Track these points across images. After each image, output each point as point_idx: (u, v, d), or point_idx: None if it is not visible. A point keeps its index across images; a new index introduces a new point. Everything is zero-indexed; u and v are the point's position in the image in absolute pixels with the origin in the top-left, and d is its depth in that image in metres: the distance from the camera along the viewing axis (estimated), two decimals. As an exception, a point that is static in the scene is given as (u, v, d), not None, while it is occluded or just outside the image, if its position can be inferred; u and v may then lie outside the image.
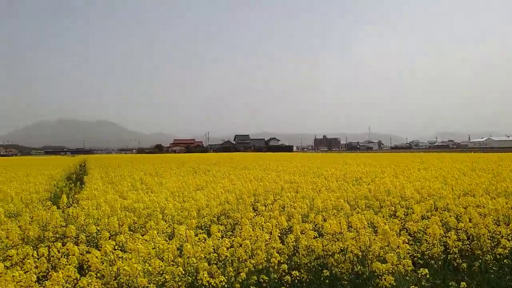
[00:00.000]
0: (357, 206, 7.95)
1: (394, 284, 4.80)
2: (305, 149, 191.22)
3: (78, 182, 16.63)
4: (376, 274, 5.00)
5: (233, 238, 5.49)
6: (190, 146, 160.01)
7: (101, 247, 5.81)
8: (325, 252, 5.78)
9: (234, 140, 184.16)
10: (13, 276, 3.64)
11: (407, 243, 5.68)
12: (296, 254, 5.86)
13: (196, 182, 13.35)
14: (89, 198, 8.85)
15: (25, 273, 4.06)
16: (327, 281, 5.48)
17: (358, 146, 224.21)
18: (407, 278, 4.90)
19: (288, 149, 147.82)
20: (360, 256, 5.48)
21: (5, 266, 4.52)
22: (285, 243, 5.80)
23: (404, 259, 4.94)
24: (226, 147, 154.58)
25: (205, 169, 21.78)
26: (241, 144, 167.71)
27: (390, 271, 4.87)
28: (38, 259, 4.98)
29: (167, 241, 5.62)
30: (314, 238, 5.77)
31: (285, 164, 25.72)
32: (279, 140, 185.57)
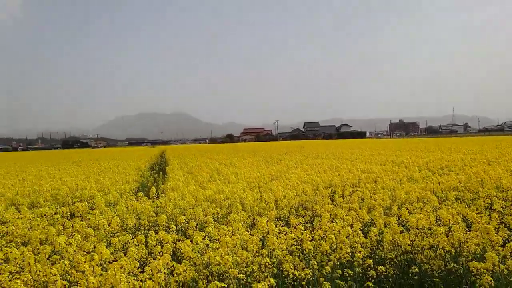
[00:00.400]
0: (446, 199, 7.40)
1: (493, 285, 4.41)
2: (379, 135, 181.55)
3: (161, 173, 17.88)
4: (472, 273, 4.64)
5: (315, 231, 5.47)
6: (260, 135, 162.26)
7: (189, 236, 6.22)
8: (412, 248, 5.51)
9: (303, 127, 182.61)
10: (121, 264, 4.03)
11: (507, 239, 5.17)
12: (380, 248, 5.67)
13: (270, 172, 13.54)
14: (174, 189, 9.46)
15: (129, 259, 4.51)
16: (415, 277, 5.23)
17: (440, 130, 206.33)
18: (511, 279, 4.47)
19: (361, 135, 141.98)
20: (453, 253, 5.12)
21: (110, 252, 5.07)
22: (367, 237, 5.64)
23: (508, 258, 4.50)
24: (295, 135, 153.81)
25: (277, 158, 21.97)
26: (311, 131, 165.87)
27: (490, 270, 4.48)
28: (137, 246, 5.49)
29: (248, 231, 5.82)
30: (400, 232, 5.52)
31: (360, 152, 24.88)
32: (350, 126, 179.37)
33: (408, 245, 5.49)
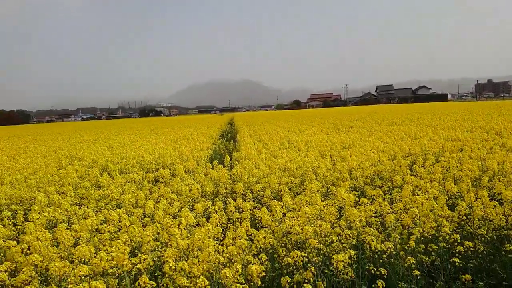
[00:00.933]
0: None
1: None
2: (463, 97, 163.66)
3: (232, 140, 18.44)
4: None
5: (395, 204, 5.26)
6: (328, 100, 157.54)
7: (264, 204, 6.39)
8: (506, 224, 5.06)
9: (375, 91, 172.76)
10: (207, 229, 4.28)
11: None
12: (468, 223, 5.29)
13: (342, 139, 13.19)
14: (247, 158, 9.69)
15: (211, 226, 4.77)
16: (510, 255, 4.82)
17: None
18: None
19: (441, 98, 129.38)
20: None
21: (193, 217, 5.41)
22: (455, 210, 5.28)
23: None
24: (366, 99, 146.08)
25: (348, 125, 21.30)
26: (384, 95, 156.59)
27: None
28: (216, 212, 5.79)
29: (322, 201, 5.78)
30: (493, 207, 5.07)
31: (442, 117, 23.06)
32: (429, 89, 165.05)
33: (502, 220, 5.04)
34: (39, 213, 5.98)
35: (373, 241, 4.41)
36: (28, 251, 4.85)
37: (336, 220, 4.90)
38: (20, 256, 4.57)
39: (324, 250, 4.32)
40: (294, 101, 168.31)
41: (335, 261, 3.97)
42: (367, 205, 5.16)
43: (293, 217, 4.94)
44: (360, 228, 4.75)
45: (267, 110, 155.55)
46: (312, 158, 8.88)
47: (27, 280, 4.16)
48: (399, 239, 4.73)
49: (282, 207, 5.17)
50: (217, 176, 7.61)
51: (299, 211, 4.98)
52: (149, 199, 6.78)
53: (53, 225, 6.04)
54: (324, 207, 5.18)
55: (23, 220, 6.33)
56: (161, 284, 4.02)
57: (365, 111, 43.86)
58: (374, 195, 5.60)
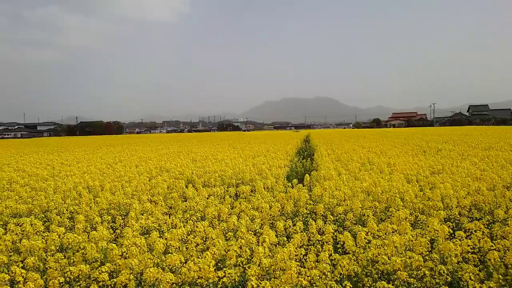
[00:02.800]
0: None
1: None
2: None
3: (309, 159, 18.30)
4: None
5: (498, 241, 4.72)
6: (412, 120, 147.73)
7: (346, 228, 6.19)
8: None
9: (467, 111, 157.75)
10: (289, 251, 4.29)
11: None
12: None
13: (430, 163, 12.30)
14: (327, 178, 9.53)
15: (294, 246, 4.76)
16: None
17: None
18: None
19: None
20: None
21: (275, 235, 5.45)
22: None
23: None
24: (456, 120, 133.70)
25: (436, 147, 19.80)
26: (477, 116, 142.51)
27: None
28: (297, 233, 5.77)
29: (412, 230, 5.41)
30: None
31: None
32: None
33: None
34: (136, 220, 6.55)
35: (471, 279, 4.01)
36: (125, 255, 5.34)
37: (427, 253, 4.56)
38: (120, 259, 5.04)
39: (415, 285, 4.03)
40: (374, 119, 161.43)
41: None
42: (463, 239, 4.72)
43: (379, 245, 4.72)
44: (456, 264, 4.35)
45: (344, 128, 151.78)
46: (398, 182, 8.41)
47: (125, 282, 4.57)
48: (503, 279, 4.23)
49: (367, 233, 4.97)
50: (297, 195, 7.60)
51: (386, 239, 4.74)
52: (230, 214, 7.02)
53: (145, 231, 6.57)
54: (413, 237, 4.85)
55: (122, 225, 7.00)
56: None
57: (455, 133, 40.30)
58: (472, 229, 5.09)
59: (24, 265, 4.89)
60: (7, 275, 4.39)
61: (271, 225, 6.40)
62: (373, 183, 8.56)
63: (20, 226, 6.29)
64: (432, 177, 9.54)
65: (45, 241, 5.58)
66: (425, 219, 6.03)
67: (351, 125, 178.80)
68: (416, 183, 9.02)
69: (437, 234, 4.89)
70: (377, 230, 5.17)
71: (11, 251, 5.47)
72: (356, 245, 4.84)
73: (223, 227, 5.93)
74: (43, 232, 6.07)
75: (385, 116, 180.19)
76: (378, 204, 6.85)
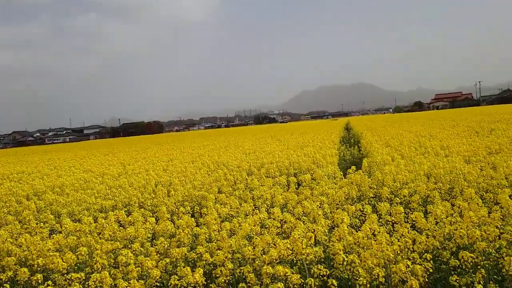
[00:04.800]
0: None
1: None
2: None
3: (356, 146, 18.45)
4: None
5: None
6: (456, 100, 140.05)
7: (413, 209, 6.51)
8: None
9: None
10: (368, 228, 4.74)
11: None
12: None
13: (486, 144, 12.13)
14: (384, 163, 9.80)
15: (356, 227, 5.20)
16: None
17: None
18: None
19: None
20: None
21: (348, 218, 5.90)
22: None
23: None
24: (505, 97, 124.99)
25: (488, 128, 19.21)
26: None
27: None
28: (359, 216, 6.20)
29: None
30: None
31: None
32: None
33: None
34: (214, 209, 7.25)
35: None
36: (213, 239, 6.05)
37: (502, 226, 4.83)
38: (208, 242, 5.76)
39: (493, 255, 4.35)
40: (415, 102, 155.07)
41: (508, 264, 4.01)
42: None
43: (453, 221, 5.05)
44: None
45: (384, 113, 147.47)
46: (457, 163, 8.55)
47: (222, 261, 5.23)
48: None
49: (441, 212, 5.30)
50: (359, 180, 7.98)
51: (460, 216, 5.06)
52: (299, 201, 7.52)
53: (223, 219, 7.23)
54: (485, 212, 5.13)
55: (200, 214, 7.75)
56: (333, 272, 4.62)
57: (507, 111, 38.22)
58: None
59: (132, 250, 5.69)
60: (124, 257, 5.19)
61: (341, 209, 6.84)
62: (432, 165, 8.74)
63: (105, 219, 7.17)
64: (491, 157, 9.53)
65: (144, 229, 6.39)
66: (492, 197, 6.24)
67: (390, 110, 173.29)
68: (476, 163, 9.08)
69: (509, 209, 5.14)
70: (450, 208, 5.48)
71: (116, 238, 6.31)
72: (430, 223, 5.18)
73: (298, 211, 6.45)
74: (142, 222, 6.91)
75: (427, 98, 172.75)
76: (442, 185, 7.09)
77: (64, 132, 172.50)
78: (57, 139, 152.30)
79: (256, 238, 5.58)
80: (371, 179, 8.11)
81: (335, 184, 8.55)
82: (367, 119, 68.20)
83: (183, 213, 7.57)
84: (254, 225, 6.16)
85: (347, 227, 5.57)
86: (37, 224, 7.20)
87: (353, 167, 9.40)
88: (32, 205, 8.89)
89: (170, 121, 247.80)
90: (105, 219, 7.16)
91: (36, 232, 6.63)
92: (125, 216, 7.21)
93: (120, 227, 6.81)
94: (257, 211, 7.05)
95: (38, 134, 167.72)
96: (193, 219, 6.72)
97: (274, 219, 6.26)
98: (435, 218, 5.30)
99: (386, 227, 5.63)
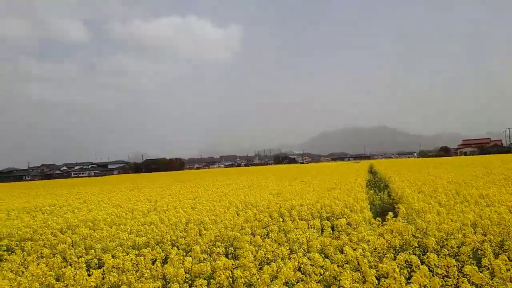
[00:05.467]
0: None
1: None
2: None
3: (385, 191, 18.01)
4: None
5: None
6: (485, 146, 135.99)
7: (463, 261, 6.18)
8: None
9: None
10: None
11: None
12: None
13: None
14: (423, 211, 9.49)
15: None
16: None
17: None
18: None
19: None
20: None
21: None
22: None
23: None
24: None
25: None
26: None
27: None
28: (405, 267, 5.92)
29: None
30: None
31: None
32: None
33: None
34: (250, 251, 7.10)
35: None
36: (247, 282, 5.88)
37: None
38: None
39: None
40: (441, 147, 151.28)
41: None
42: None
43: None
44: None
45: (408, 157, 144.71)
46: (504, 214, 8.17)
47: None
48: None
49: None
50: (400, 228, 7.71)
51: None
52: (339, 246, 7.29)
53: (260, 262, 7.05)
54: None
55: (233, 255, 7.60)
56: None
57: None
58: None
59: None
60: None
61: (383, 257, 6.57)
62: (477, 215, 8.39)
63: (139, 256, 7.13)
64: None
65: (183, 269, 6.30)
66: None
67: (415, 154, 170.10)
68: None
69: None
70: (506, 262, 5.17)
71: (157, 277, 6.23)
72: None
73: (339, 258, 6.24)
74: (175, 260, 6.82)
75: (452, 143, 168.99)
76: (493, 237, 6.75)
77: (89, 166, 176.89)
78: (83, 173, 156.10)
79: (298, 285, 5.41)
80: (413, 228, 7.81)
81: (373, 230, 8.28)
82: (391, 162, 66.91)
83: (218, 254, 7.43)
84: (294, 271, 5.97)
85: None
86: (74, 258, 7.22)
87: (390, 214, 9.13)
88: (67, 239, 8.97)
89: (190, 159, 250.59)
90: (139, 256, 7.14)
91: (76, 267, 6.64)
92: (162, 254, 7.13)
93: (156, 265, 6.76)
94: (295, 255, 6.84)
95: (65, 168, 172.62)
96: (231, 260, 6.60)
97: (313, 265, 6.08)
98: (491, 273, 5.01)
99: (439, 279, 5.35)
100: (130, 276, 6.00)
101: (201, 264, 6.53)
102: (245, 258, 6.65)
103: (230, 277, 6.09)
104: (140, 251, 7.94)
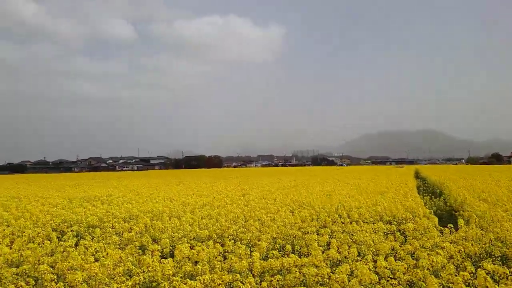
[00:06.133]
0: None
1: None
2: None
3: (441, 198, 17.26)
4: None
5: None
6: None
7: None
8: None
9: None
10: None
11: None
12: None
13: None
14: (499, 220, 8.99)
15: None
16: None
17: None
18: None
19: None
20: None
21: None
22: None
23: None
24: None
25: None
26: None
27: None
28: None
29: None
30: None
31: None
32: None
33: None
34: (319, 250, 7.05)
35: None
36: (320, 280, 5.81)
37: None
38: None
39: None
40: (493, 154, 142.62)
41: None
42: None
43: None
44: None
45: (456, 164, 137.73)
46: None
47: None
48: None
49: None
50: (475, 236, 7.34)
51: None
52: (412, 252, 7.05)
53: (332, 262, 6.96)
54: None
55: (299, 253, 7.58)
56: None
57: None
58: None
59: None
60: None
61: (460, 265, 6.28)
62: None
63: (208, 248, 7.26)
64: None
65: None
66: None
67: (463, 160, 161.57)
68: None
69: None
70: None
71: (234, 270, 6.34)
72: None
73: (424, 264, 6.02)
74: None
75: (505, 151, 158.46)
76: None
77: (133, 160, 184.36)
78: (126, 167, 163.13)
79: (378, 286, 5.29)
80: (492, 236, 7.40)
81: (443, 237, 7.94)
82: (439, 168, 63.93)
83: (286, 252, 7.44)
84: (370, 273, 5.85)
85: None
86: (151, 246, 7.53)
87: (461, 221, 8.71)
88: (135, 227, 9.36)
89: (228, 157, 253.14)
90: (208, 247, 7.32)
91: (150, 255, 6.91)
92: (232, 247, 7.25)
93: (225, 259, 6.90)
94: (366, 257, 6.69)
95: (110, 161, 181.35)
96: (301, 258, 6.58)
97: (389, 268, 5.93)
98: None
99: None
100: (205, 267, 6.14)
101: (271, 260, 6.56)
102: (315, 257, 6.60)
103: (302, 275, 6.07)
104: (204, 243, 8.15)
